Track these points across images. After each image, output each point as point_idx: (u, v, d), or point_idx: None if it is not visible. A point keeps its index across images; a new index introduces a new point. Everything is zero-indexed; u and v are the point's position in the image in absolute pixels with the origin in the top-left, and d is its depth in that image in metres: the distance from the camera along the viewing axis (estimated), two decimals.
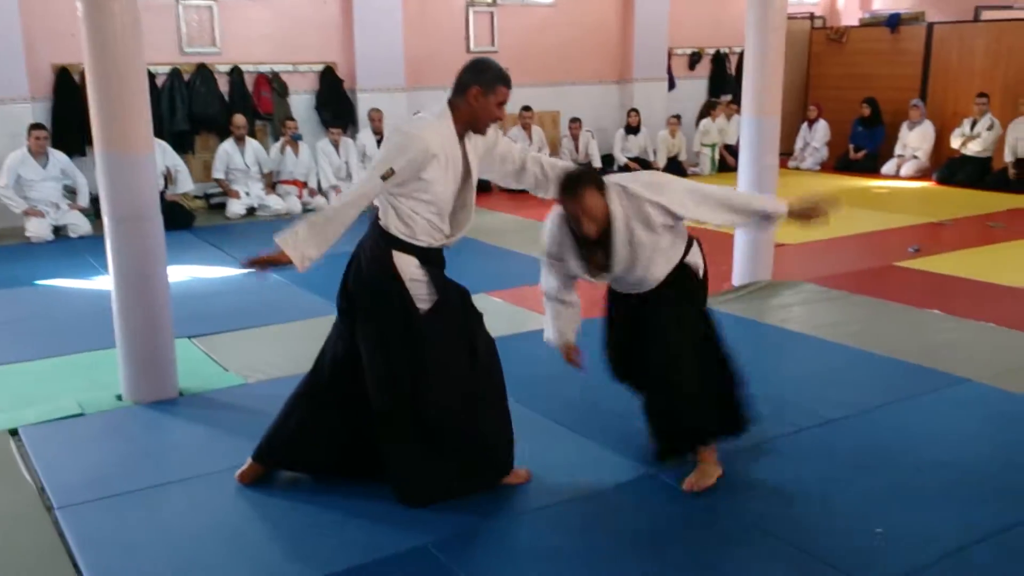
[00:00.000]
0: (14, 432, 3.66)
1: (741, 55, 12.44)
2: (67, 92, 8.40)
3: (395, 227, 2.92)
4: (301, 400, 3.19)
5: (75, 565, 2.74)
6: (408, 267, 2.92)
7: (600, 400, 3.87)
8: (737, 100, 11.76)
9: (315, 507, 3.04)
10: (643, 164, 11.02)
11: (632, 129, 11.04)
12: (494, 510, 3.02)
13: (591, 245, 3.04)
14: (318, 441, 3.14)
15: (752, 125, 5.64)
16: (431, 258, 2.98)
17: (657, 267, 3.08)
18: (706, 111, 11.56)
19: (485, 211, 8.87)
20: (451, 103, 2.94)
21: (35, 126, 7.74)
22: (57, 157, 7.89)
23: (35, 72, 8.28)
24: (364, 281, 2.97)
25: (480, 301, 5.62)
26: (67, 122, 8.34)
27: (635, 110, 11.08)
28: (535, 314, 5.17)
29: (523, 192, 11.76)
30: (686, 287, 3.16)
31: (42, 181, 7.74)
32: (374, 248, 2.96)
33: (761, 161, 5.64)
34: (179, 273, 5.80)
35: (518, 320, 5.11)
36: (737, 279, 5.78)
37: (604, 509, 3.05)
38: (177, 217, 7.76)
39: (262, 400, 3.92)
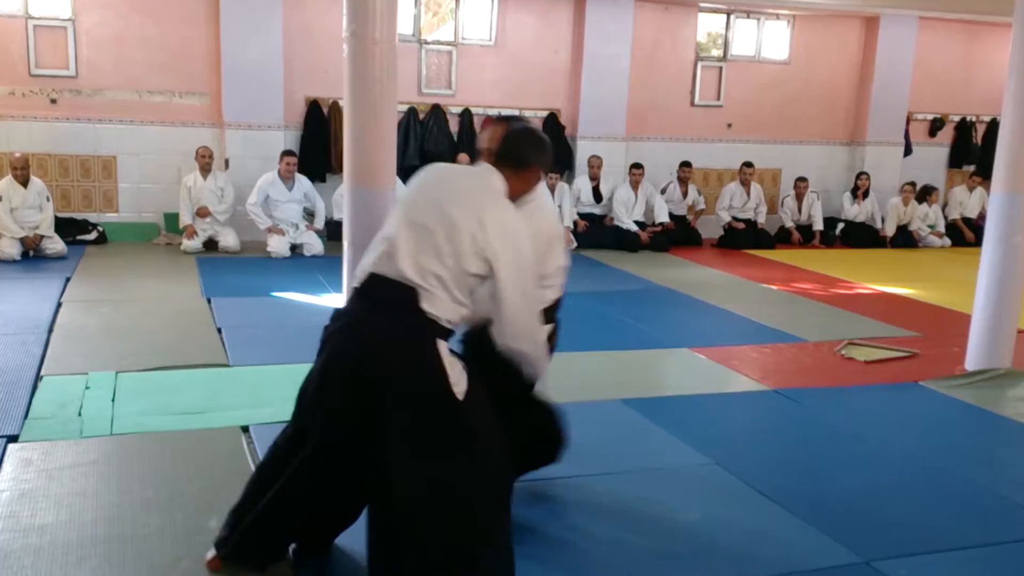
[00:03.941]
0: (245, 429, 4.00)
1: (991, 124, 11.64)
2: (315, 123, 9.20)
3: (447, 310, 2.50)
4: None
5: None
6: (447, 358, 2.49)
7: (802, 466, 3.69)
8: (982, 171, 10.90)
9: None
10: (868, 230, 10.47)
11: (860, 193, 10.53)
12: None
13: None
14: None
15: (1002, 201, 5.20)
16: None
17: None
18: (922, 195, 10.66)
19: (693, 265, 8.74)
20: (505, 172, 2.59)
21: (287, 152, 8.53)
22: (302, 182, 8.65)
23: (290, 103, 9.12)
24: (400, 379, 2.47)
25: (683, 357, 5.62)
26: (313, 150, 9.14)
27: (865, 174, 10.56)
28: (740, 375, 5.02)
29: (736, 248, 11.30)
30: None
31: (287, 202, 8.50)
32: (409, 338, 2.48)
33: (1009, 240, 5.18)
34: None
35: (721, 379, 4.96)
36: (970, 363, 5.31)
37: None
38: None
39: None
